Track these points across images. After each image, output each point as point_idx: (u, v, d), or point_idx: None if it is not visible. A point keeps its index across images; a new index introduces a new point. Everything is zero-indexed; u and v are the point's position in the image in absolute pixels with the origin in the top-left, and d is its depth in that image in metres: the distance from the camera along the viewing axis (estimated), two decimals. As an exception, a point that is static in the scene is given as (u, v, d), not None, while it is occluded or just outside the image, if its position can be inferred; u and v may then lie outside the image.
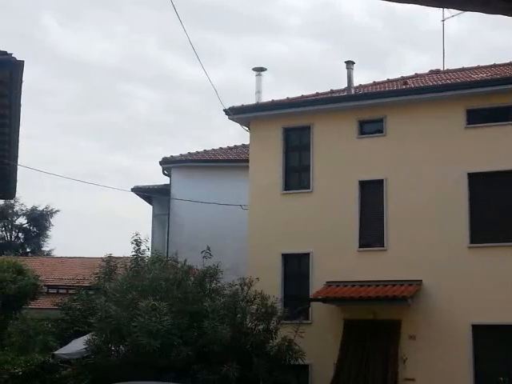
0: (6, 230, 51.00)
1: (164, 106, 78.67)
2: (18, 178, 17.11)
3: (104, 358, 17.95)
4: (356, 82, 22.89)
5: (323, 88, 24.08)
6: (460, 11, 13.58)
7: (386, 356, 19.16)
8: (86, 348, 18.26)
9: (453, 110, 19.96)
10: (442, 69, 24.21)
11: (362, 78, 75.00)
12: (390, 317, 19.43)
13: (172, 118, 79.36)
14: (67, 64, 73.64)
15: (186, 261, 19.67)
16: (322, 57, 76.61)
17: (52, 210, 50.93)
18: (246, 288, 19.41)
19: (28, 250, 50.94)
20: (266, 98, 24.41)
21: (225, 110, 22.25)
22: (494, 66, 22.54)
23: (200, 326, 17.70)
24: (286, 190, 21.72)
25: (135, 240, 20.39)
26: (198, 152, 28.07)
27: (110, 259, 22.09)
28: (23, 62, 11.54)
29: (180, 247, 22.86)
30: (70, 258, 36.31)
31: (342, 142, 21.15)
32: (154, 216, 29.46)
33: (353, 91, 22.30)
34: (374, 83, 23.56)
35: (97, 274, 22.09)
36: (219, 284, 19.46)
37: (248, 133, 22.78)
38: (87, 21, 73.83)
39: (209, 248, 19.81)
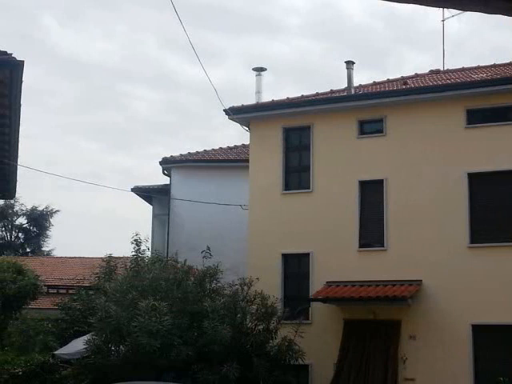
0: (6, 229, 51.03)
1: (164, 106, 78.76)
2: (18, 178, 17.13)
3: (104, 358, 17.94)
4: (356, 82, 22.89)
5: (323, 88, 24.13)
6: (460, 11, 13.58)
7: (386, 356, 19.15)
8: (86, 348, 18.25)
9: (453, 110, 19.95)
10: (442, 69, 24.20)
11: (362, 78, 75.11)
12: (390, 317, 19.42)
13: (172, 117, 79.44)
14: (67, 64, 73.73)
15: (186, 261, 19.66)
16: (322, 57, 76.66)
17: (52, 210, 51.00)
18: (245, 288, 19.40)
19: (28, 250, 50.97)
20: (266, 98, 24.47)
21: (225, 110, 22.24)
22: (494, 66, 22.54)
23: (200, 326, 17.70)
24: (286, 190, 21.71)
25: (135, 240, 20.38)
26: (197, 152, 28.06)
27: (110, 259, 22.10)
28: (23, 61, 11.54)
29: (180, 247, 22.85)
30: (70, 257, 36.36)
31: (342, 142, 21.14)
32: (154, 216, 29.47)
33: (353, 91, 22.29)
34: (374, 83, 23.55)
35: (97, 273, 22.10)
36: (219, 284, 19.46)
37: (248, 133, 22.77)
38: (87, 21, 73.92)
39: (209, 248, 19.82)
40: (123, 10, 79.10)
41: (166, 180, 28.08)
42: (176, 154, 27.92)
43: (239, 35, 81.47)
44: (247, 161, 22.85)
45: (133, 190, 28.94)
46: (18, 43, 72.79)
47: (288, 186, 21.79)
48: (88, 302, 21.13)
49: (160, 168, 27.62)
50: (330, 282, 20.17)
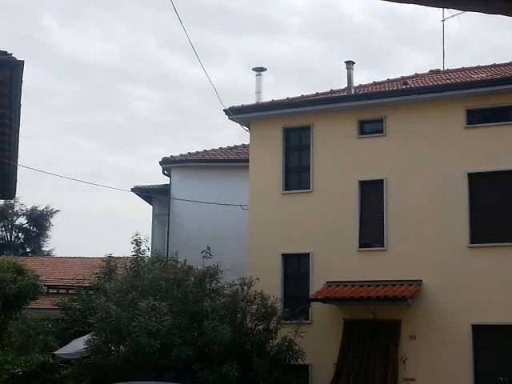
0: (6, 230, 51.04)
1: (164, 106, 78.78)
2: (18, 178, 17.12)
3: (104, 357, 17.95)
4: (356, 82, 22.88)
5: (323, 88, 24.11)
6: (460, 11, 13.58)
7: (386, 356, 19.15)
8: (86, 348, 18.26)
9: (453, 110, 19.95)
10: (442, 69, 24.20)
11: (362, 78, 75.14)
12: (390, 317, 19.42)
13: (172, 117, 79.47)
14: (67, 64, 73.75)
15: (185, 261, 19.66)
16: (322, 57, 76.68)
17: (52, 210, 51.02)
18: (245, 288, 19.40)
19: (28, 250, 50.99)
20: (266, 98, 24.47)
21: (225, 110, 22.23)
22: (494, 66, 22.54)
23: (200, 326, 17.70)
24: (286, 190, 21.71)
25: (135, 240, 20.41)
26: (198, 152, 28.06)
27: (110, 259, 22.13)
28: (23, 61, 11.54)
29: (180, 247, 22.85)
30: (70, 257, 36.38)
31: (342, 142, 21.14)
32: (154, 216, 29.47)
33: (353, 91, 22.28)
34: (374, 83, 23.54)
35: (97, 273, 22.13)
36: (219, 284, 19.46)
37: (248, 133, 22.77)
38: (87, 21, 73.95)
39: (209, 248, 19.82)
40: (123, 9, 79.18)
41: (166, 180, 28.09)
42: (176, 153, 27.95)
43: (239, 35, 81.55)
44: (247, 161, 22.85)
45: (133, 190, 28.94)
46: (18, 43, 72.84)
47: (288, 185, 21.78)
48: (88, 302, 21.15)
49: (160, 168, 27.65)
50: (329, 281, 20.16)
